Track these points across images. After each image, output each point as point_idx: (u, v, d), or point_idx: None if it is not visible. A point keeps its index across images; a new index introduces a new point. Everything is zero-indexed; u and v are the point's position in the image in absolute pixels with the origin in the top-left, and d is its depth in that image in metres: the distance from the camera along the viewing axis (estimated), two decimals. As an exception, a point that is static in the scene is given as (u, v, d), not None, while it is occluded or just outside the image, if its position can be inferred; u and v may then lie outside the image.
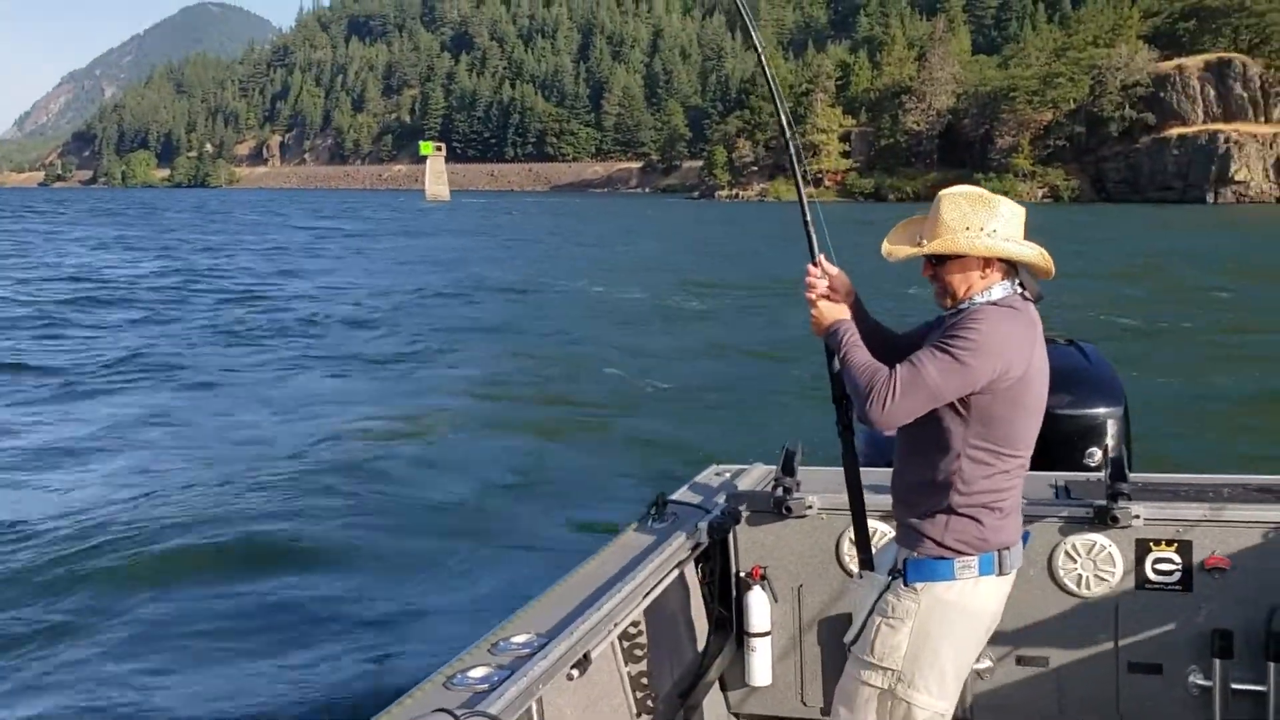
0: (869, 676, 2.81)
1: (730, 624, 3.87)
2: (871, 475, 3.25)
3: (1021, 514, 2.88)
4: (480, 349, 16.95)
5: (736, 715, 4.01)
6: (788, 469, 3.82)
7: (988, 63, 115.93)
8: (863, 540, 3.06)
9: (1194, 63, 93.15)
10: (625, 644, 3.36)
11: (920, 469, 2.77)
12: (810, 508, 3.79)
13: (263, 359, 16.14)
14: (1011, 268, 2.73)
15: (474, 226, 63.95)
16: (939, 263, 2.73)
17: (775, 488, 3.83)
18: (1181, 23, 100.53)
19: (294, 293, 25.60)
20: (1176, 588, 3.52)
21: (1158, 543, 3.54)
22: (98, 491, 9.14)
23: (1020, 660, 3.64)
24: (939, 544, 2.73)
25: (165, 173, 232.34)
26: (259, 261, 36.11)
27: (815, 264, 2.97)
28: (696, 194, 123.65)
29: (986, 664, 3.64)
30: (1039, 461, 3.44)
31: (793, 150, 3.15)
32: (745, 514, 3.88)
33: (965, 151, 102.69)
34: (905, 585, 2.77)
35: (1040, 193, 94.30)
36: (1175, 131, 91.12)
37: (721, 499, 3.93)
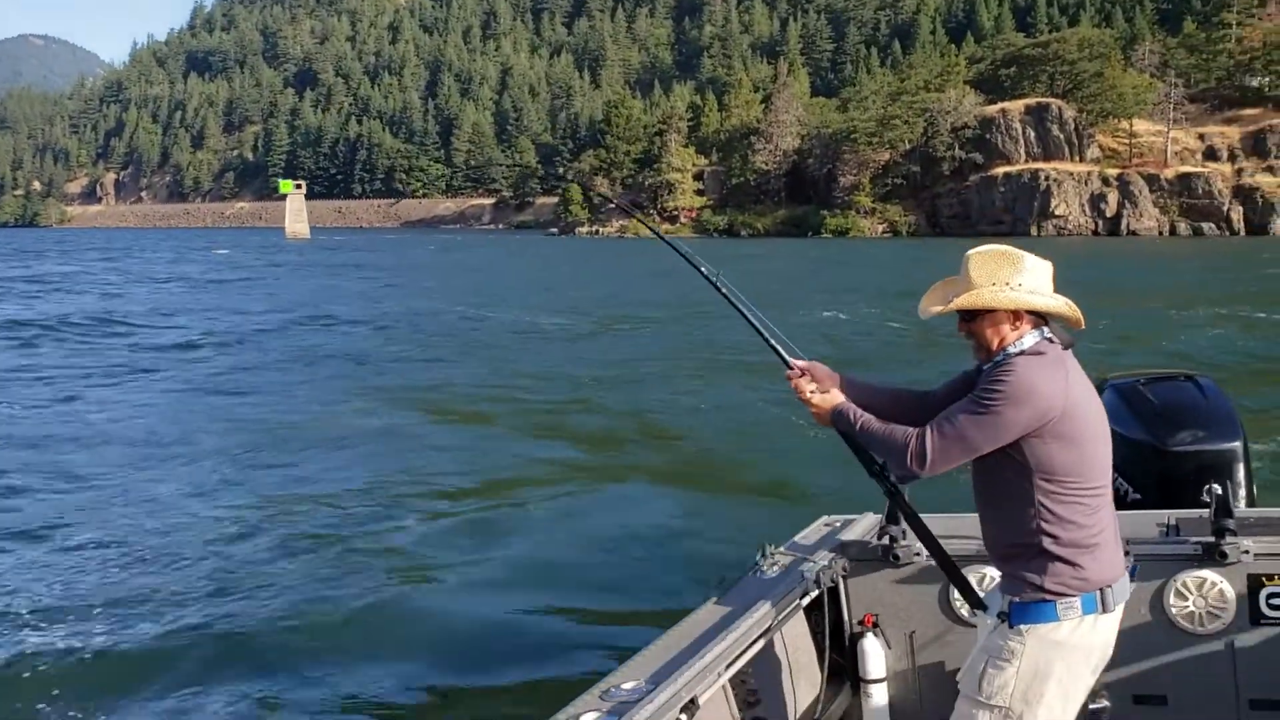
0: (978, 714, 2.85)
1: (845, 672, 3.91)
2: (973, 518, 3.37)
3: (1122, 546, 2.91)
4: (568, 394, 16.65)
5: None
6: (893, 518, 3.83)
7: (828, 105, 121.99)
8: (962, 586, 3.12)
9: (1016, 106, 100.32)
10: (737, 690, 3.39)
11: (1002, 519, 2.85)
12: (919, 555, 3.82)
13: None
14: (1042, 319, 2.84)
15: (368, 262, 63.54)
16: (971, 319, 2.86)
17: (882, 536, 3.89)
18: (1003, 69, 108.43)
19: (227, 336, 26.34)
20: None
21: (1271, 578, 3.49)
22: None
23: (1138, 699, 3.59)
24: (1038, 588, 2.77)
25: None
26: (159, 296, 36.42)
27: (790, 367, 3.14)
28: (555, 230, 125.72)
29: (1104, 704, 3.57)
30: (1158, 500, 3.91)
31: (721, 290, 3.26)
32: (854, 563, 3.94)
33: (811, 189, 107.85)
34: (1010, 627, 2.82)
35: (880, 228, 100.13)
36: (1001, 170, 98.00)
37: (829, 548, 3.98)
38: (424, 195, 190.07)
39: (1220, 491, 3.62)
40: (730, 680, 3.24)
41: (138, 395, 16.96)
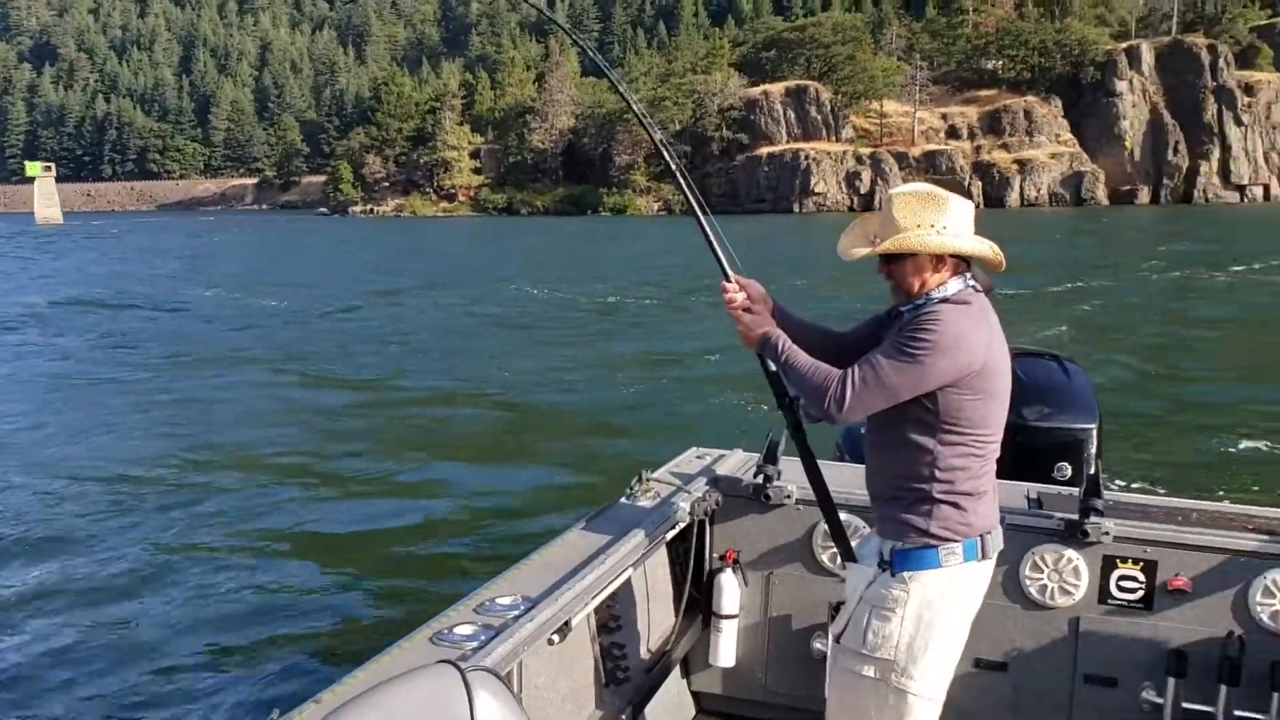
0: (863, 667, 2.81)
1: (700, 605, 3.95)
2: (845, 470, 3.35)
3: (997, 500, 2.91)
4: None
5: (698, 694, 4.10)
6: (770, 457, 3.86)
7: (600, 85, 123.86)
8: (838, 533, 3.10)
9: (777, 89, 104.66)
10: (601, 615, 3.43)
11: (897, 461, 2.81)
12: (789, 497, 3.85)
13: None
14: (963, 263, 2.78)
15: (150, 247, 60.49)
16: (892, 261, 2.77)
17: (757, 474, 3.89)
18: (764, 52, 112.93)
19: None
20: (1138, 606, 3.56)
21: (1124, 560, 3.56)
22: None
23: (979, 664, 3.65)
24: (923, 533, 2.76)
25: None
26: None
27: (729, 279, 3.05)
28: (326, 210, 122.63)
29: None
30: (1011, 472, 3.78)
31: (682, 178, 3.30)
32: (724, 498, 3.94)
33: (588, 168, 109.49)
34: (893, 576, 2.79)
35: (656, 206, 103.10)
36: (765, 150, 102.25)
37: (702, 482, 3.98)
38: (181, 176, 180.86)
39: (1087, 471, 3.76)
40: (596, 606, 3.25)
41: None
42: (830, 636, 3.03)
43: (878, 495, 2.94)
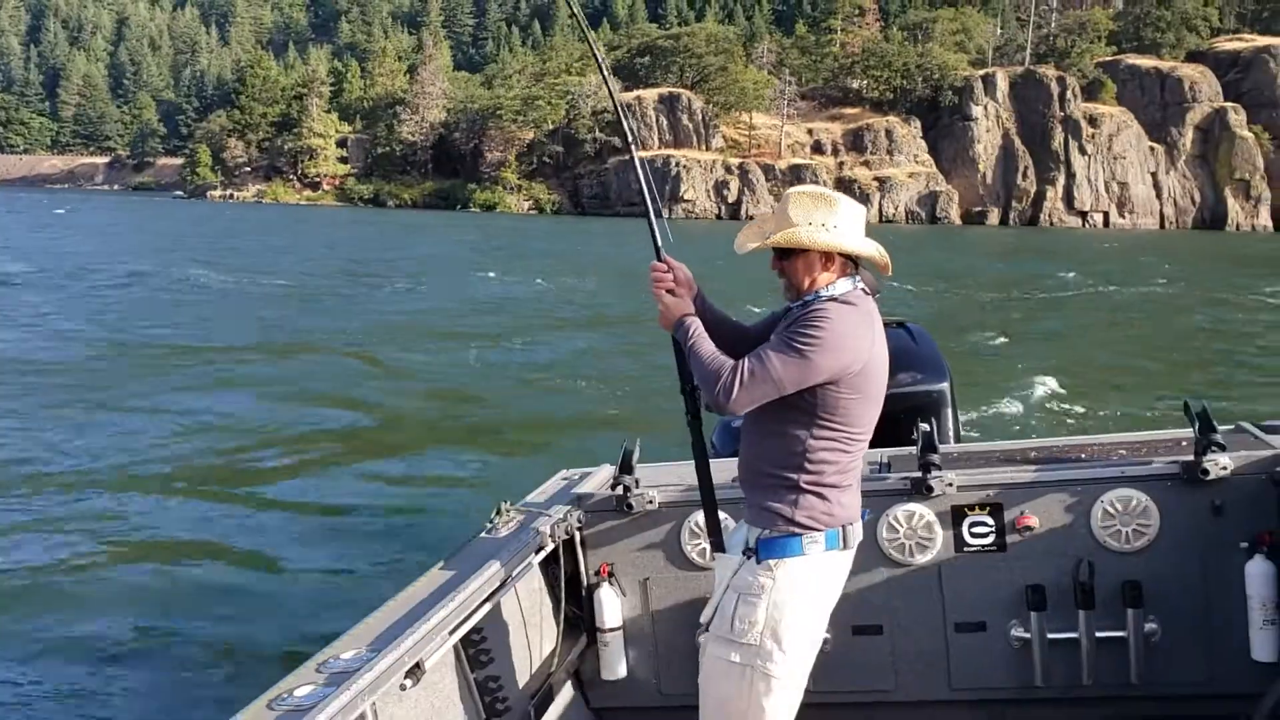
0: (729, 653, 2.88)
1: (582, 623, 3.95)
2: (716, 465, 3.33)
3: (860, 493, 2.99)
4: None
5: (598, 711, 4.06)
6: (626, 468, 3.91)
7: (473, 80, 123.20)
8: (713, 524, 3.16)
9: (650, 95, 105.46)
10: (470, 650, 3.37)
11: (770, 451, 2.90)
12: (651, 503, 3.90)
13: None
14: (853, 264, 2.89)
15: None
16: (785, 257, 2.88)
17: (615, 486, 3.93)
18: (639, 58, 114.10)
19: None
20: (992, 548, 3.69)
21: (972, 507, 3.69)
22: None
23: (856, 630, 3.75)
24: (789, 521, 2.85)
25: None
26: None
27: (660, 260, 3.10)
28: (183, 193, 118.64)
29: (825, 636, 3.63)
30: (875, 440, 3.64)
31: (637, 160, 3.35)
32: (589, 515, 3.96)
33: (459, 163, 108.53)
34: (759, 563, 2.86)
35: (526, 205, 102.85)
36: (637, 153, 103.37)
37: (565, 502, 3.98)
38: (26, 151, 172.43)
39: (927, 429, 3.87)
40: (461, 641, 3.23)
41: None
42: (700, 625, 3.06)
43: (748, 482, 3.02)
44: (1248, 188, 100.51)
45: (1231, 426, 3.90)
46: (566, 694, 3.90)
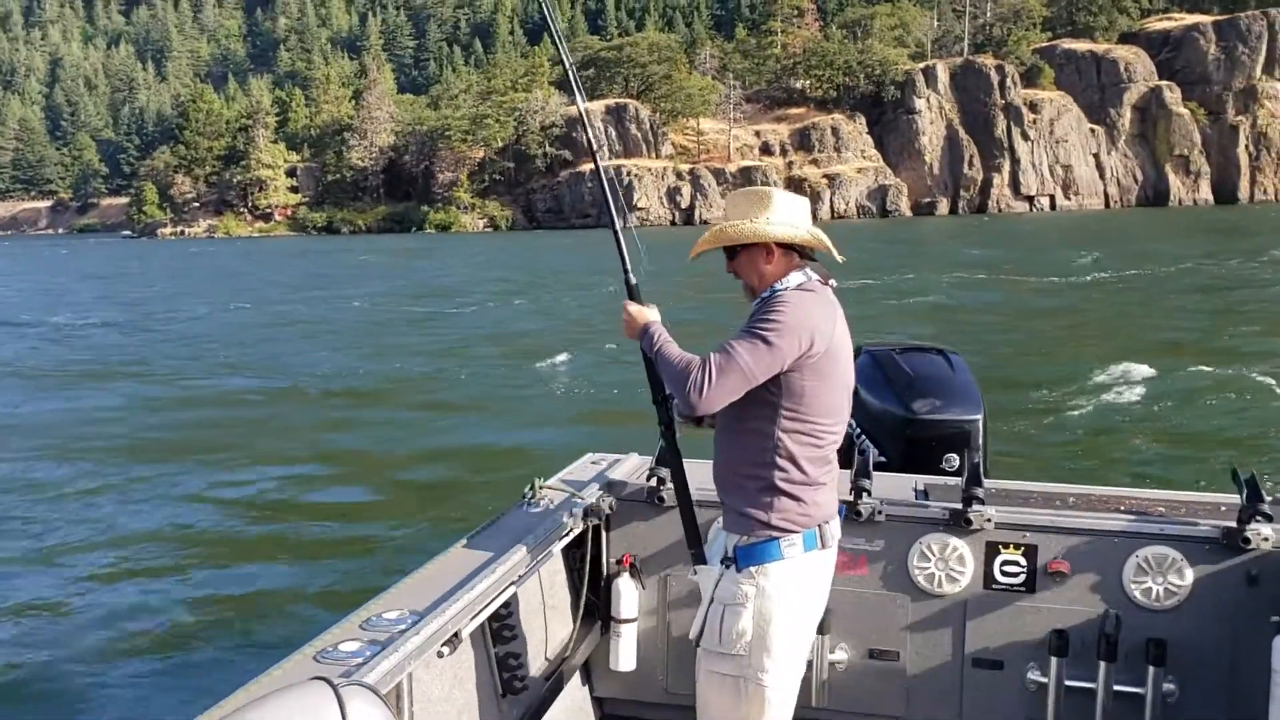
0: (721, 666, 2.89)
1: (598, 610, 3.95)
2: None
3: (837, 491, 3.01)
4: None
5: (600, 700, 4.09)
6: (662, 460, 3.83)
7: (419, 102, 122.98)
8: (693, 536, 3.16)
9: (597, 107, 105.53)
10: (495, 625, 3.42)
11: (740, 451, 2.90)
12: None
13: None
14: (799, 256, 2.94)
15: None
16: (732, 257, 2.97)
17: (650, 477, 3.93)
18: (583, 70, 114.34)
19: None
20: (1021, 589, 3.66)
21: (1006, 545, 3.66)
22: None
23: (872, 654, 3.73)
24: (765, 525, 2.85)
25: None
26: None
27: (627, 272, 3.21)
28: (131, 233, 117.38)
29: (841, 656, 3.71)
30: (903, 464, 3.94)
31: (605, 181, 3.41)
32: (618, 503, 3.96)
33: (410, 186, 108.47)
34: (739, 572, 2.86)
35: (481, 223, 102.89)
36: (588, 166, 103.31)
37: (595, 487, 3.98)
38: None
39: (973, 461, 3.88)
40: (490, 616, 3.27)
41: None
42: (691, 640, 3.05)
43: (722, 485, 3.01)
44: (1187, 163, 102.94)
45: (1273, 499, 3.80)
46: (576, 680, 3.94)
